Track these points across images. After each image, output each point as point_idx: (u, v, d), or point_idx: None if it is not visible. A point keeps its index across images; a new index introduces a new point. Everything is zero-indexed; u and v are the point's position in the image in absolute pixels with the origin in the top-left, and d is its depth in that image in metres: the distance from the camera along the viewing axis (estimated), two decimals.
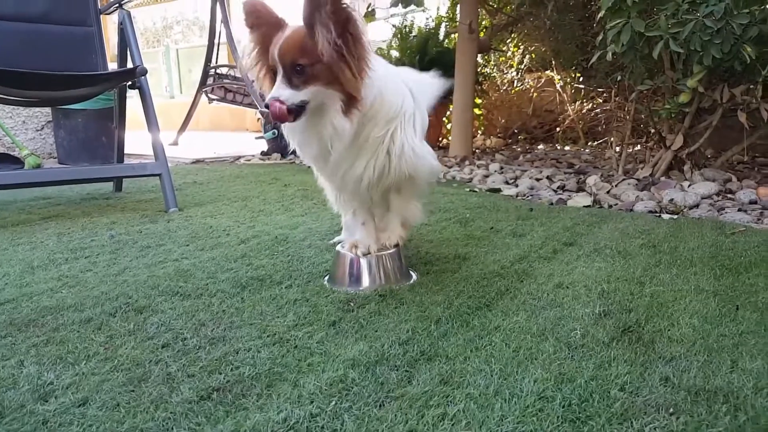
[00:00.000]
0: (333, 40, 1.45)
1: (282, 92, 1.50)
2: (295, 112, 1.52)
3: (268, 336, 1.41)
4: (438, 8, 6.71)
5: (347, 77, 1.50)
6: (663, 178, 3.43)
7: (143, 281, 1.86)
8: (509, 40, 6.58)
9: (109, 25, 7.71)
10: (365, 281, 1.79)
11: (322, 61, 1.48)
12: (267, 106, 1.50)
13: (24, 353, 1.34)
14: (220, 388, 1.15)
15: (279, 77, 1.52)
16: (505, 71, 6.99)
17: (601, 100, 5.69)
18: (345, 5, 1.46)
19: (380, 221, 1.95)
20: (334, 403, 1.09)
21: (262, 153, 6.03)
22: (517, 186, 3.74)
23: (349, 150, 1.64)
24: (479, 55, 5.82)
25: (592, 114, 5.99)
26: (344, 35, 1.47)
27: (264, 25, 1.59)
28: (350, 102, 1.54)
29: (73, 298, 1.70)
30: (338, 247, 1.88)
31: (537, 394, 1.10)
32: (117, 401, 1.11)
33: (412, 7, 5.39)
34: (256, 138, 6.36)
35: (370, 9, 6.25)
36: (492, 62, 7.04)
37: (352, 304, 1.62)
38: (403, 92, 1.73)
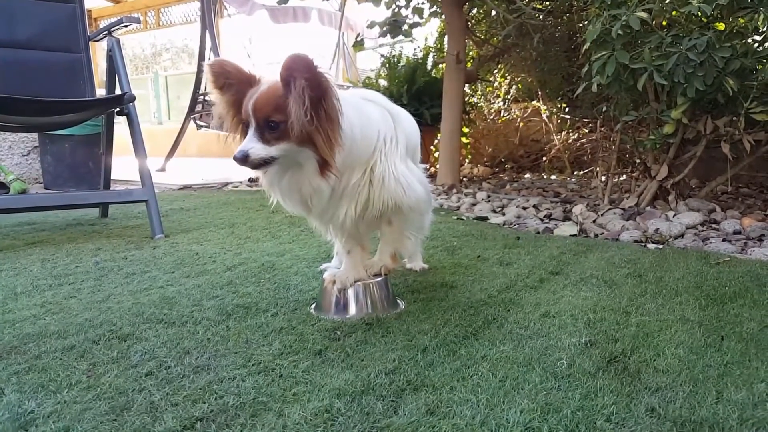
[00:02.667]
0: (305, 111, 1.45)
1: (252, 146, 1.51)
2: (261, 166, 1.54)
3: (253, 365, 1.39)
4: (426, 39, 6.80)
5: (320, 144, 1.50)
6: (648, 208, 3.45)
7: (128, 308, 1.85)
8: (496, 70, 6.65)
9: (98, 51, 7.74)
10: (352, 309, 1.79)
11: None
12: (234, 158, 1.51)
13: (5, 381, 1.32)
14: (204, 417, 1.14)
15: (251, 131, 1.53)
16: (492, 101, 7.06)
17: (586, 131, 5.75)
18: (323, 78, 1.46)
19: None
20: None
21: (250, 180, 6.03)
22: (504, 215, 3.75)
23: (329, 201, 1.67)
24: (466, 85, 5.88)
25: (578, 144, 6.04)
26: (317, 108, 1.47)
27: (234, 84, 1.59)
28: (324, 164, 1.55)
29: (57, 325, 1.68)
30: (324, 275, 1.88)
31: (523, 424, 1.09)
32: (99, 430, 1.09)
33: (401, 37, 5.46)
34: None
35: (359, 39, 6.33)
36: (479, 92, 7.11)
37: (338, 332, 1.61)
38: (377, 122, 1.72)
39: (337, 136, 1.51)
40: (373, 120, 1.71)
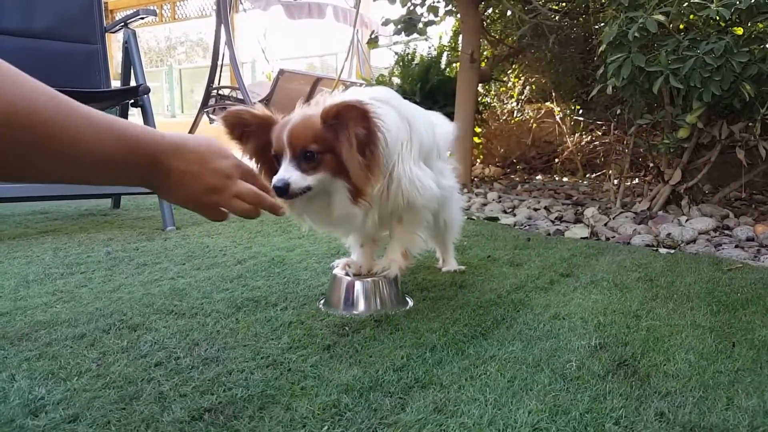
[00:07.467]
0: (356, 151, 1.48)
1: (291, 174, 1.48)
2: (297, 196, 1.51)
3: (261, 358, 1.40)
4: (440, 37, 6.78)
5: (359, 176, 1.51)
6: (660, 213, 3.43)
7: (138, 299, 1.86)
8: (510, 70, 6.63)
9: (114, 43, 7.77)
10: (361, 306, 1.79)
11: (333, 152, 1.50)
12: (274, 187, 1.45)
13: (16, 367, 1.33)
14: (212, 409, 1.14)
15: (286, 161, 1.50)
16: (506, 101, 7.03)
17: (600, 133, 5.72)
18: (376, 128, 1.47)
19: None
20: (326, 428, 1.08)
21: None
22: (514, 215, 3.75)
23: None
24: (480, 85, 5.86)
25: (591, 146, 6.02)
26: (363, 150, 1.49)
27: (254, 131, 1.57)
28: (358, 193, 1.55)
29: (68, 314, 1.69)
30: (335, 271, 1.88)
31: (531, 425, 1.09)
32: (108, 419, 1.10)
33: (415, 35, 5.45)
34: None
35: (373, 36, 6.33)
36: (492, 92, 7.08)
37: (347, 328, 1.61)
38: (395, 130, 1.69)
39: (378, 172, 1.54)
40: (392, 129, 1.69)
